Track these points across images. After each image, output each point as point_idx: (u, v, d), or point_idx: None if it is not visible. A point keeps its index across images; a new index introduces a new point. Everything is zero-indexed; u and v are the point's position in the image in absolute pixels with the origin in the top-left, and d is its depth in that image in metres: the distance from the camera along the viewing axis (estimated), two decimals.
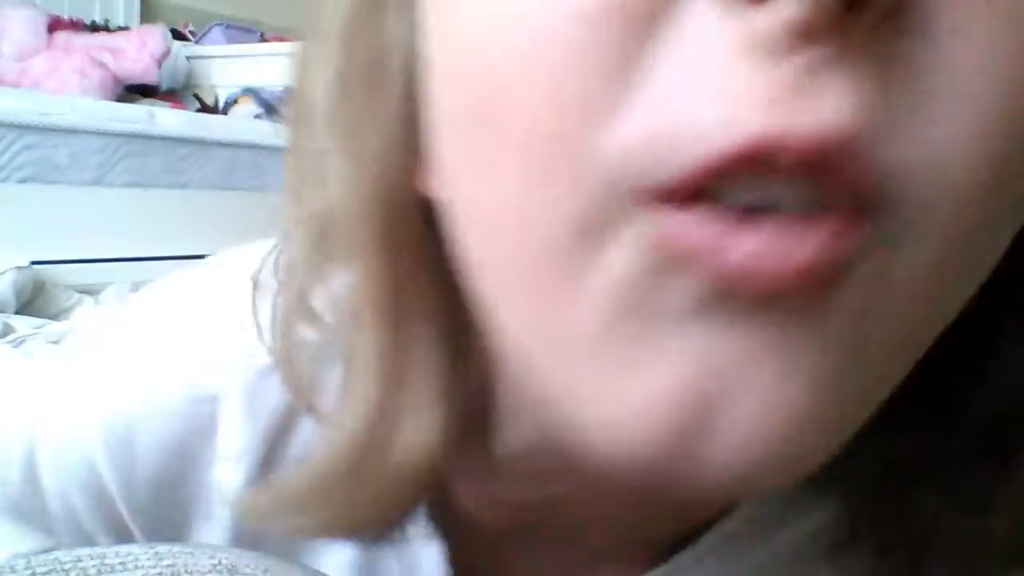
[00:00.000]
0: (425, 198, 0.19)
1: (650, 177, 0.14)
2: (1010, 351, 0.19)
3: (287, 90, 0.23)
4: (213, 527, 0.27)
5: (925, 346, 0.16)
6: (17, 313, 1.43)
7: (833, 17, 0.12)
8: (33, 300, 1.50)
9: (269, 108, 2.21)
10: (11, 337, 1.29)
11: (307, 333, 0.22)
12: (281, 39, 2.80)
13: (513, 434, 0.22)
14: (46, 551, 0.24)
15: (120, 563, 0.22)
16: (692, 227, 0.14)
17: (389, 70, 0.19)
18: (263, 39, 2.84)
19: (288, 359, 0.23)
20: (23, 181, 1.62)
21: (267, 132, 2.12)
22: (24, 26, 2.27)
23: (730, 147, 0.13)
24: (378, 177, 0.19)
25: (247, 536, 0.26)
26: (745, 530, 0.25)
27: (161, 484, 0.26)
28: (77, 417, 0.26)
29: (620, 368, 0.15)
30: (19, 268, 1.46)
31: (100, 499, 0.27)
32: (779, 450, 0.14)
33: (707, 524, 0.25)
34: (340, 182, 0.20)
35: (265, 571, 0.23)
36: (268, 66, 2.43)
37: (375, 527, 0.23)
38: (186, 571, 0.22)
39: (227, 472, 0.26)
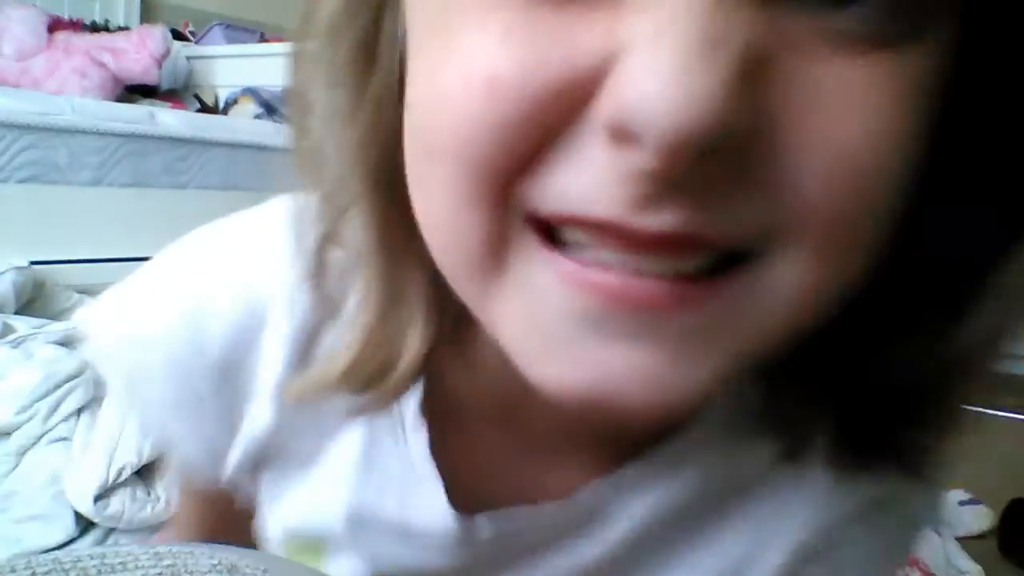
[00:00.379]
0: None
1: (540, 208, 0.20)
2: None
3: (286, 87, 0.28)
4: (260, 413, 0.33)
5: (776, 335, 0.22)
6: (17, 313, 1.43)
7: (675, 169, 0.18)
8: (33, 300, 1.50)
9: (269, 108, 2.21)
10: (11, 337, 1.29)
11: (335, 256, 0.29)
12: (281, 39, 2.80)
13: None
14: (46, 551, 0.24)
15: (120, 563, 0.22)
16: (570, 263, 0.20)
17: (379, 62, 0.24)
18: (263, 39, 2.84)
19: (318, 276, 0.29)
20: (23, 181, 1.62)
21: (267, 132, 2.12)
22: (24, 26, 2.27)
23: (594, 217, 0.19)
24: (368, 147, 0.25)
25: (286, 422, 0.33)
26: (691, 447, 0.32)
27: (222, 371, 0.32)
28: (166, 314, 0.33)
29: (542, 358, 0.22)
30: (19, 268, 1.46)
31: (180, 387, 0.33)
32: (659, 405, 0.21)
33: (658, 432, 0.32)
34: (339, 155, 0.26)
35: (265, 571, 0.23)
36: (268, 66, 2.43)
37: (376, 407, 0.30)
38: (186, 571, 0.22)
39: (272, 365, 0.32)
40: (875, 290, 0.23)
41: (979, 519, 1.42)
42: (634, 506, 0.32)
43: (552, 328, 0.21)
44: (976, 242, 0.24)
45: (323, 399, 0.29)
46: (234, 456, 0.34)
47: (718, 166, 0.18)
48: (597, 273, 0.20)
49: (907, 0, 0.19)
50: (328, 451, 0.34)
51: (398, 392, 0.29)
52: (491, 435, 0.33)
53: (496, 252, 0.21)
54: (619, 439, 0.32)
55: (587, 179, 0.19)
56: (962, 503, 1.48)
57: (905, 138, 0.19)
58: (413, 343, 0.27)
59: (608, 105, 0.18)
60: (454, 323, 0.28)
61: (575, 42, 0.19)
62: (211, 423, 0.34)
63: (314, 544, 0.36)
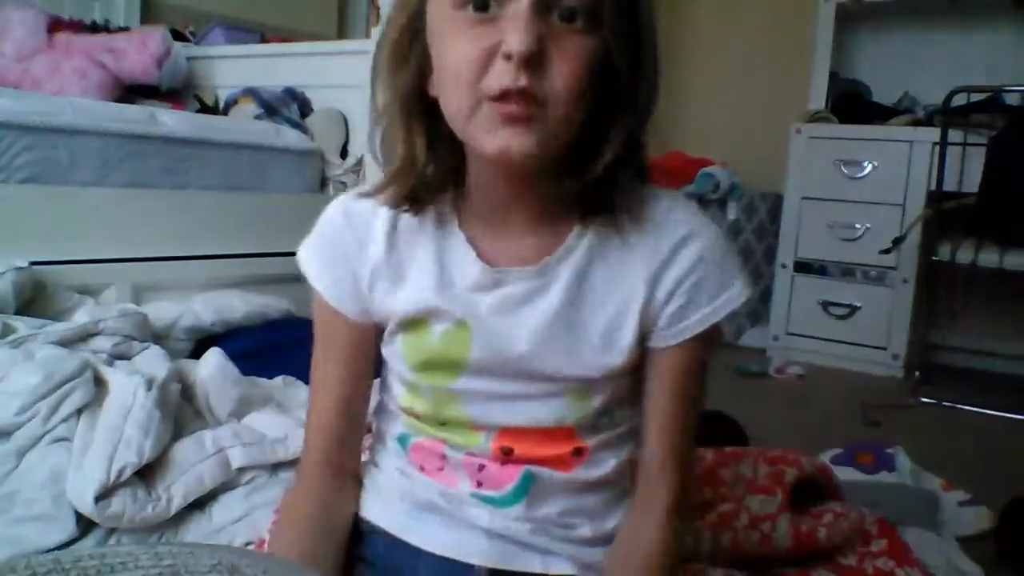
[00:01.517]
0: (428, 96, 0.66)
1: (486, 93, 0.60)
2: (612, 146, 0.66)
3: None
4: (376, 247, 0.71)
5: (568, 128, 0.62)
6: (17, 313, 1.43)
7: (520, 63, 0.58)
8: (33, 300, 1.50)
9: (269, 108, 2.20)
10: (11, 337, 1.29)
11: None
12: (281, 39, 2.80)
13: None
14: (46, 551, 0.24)
15: (120, 563, 0.22)
16: (503, 106, 0.60)
17: (410, 59, 0.66)
18: (263, 39, 2.83)
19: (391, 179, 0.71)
20: (23, 181, 1.62)
21: (267, 132, 2.12)
22: (24, 26, 2.27)
23: (502, 86, 0.59)
24: (403, 92, 0.66)
25: (389, 248, 0.71)
26: (579, 235, 0.70)
27: (355, 229, 0.73)
28: (331, 216, 0.74)
29: (487, 140, 0.61)
30: (19, 268, 1.46)
31: (333, 246, 0.74)
32: (526, 155, 0.61)
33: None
34: (389, 95, 0.67)
35: (265, 571, 0.23)
36: (268, 66, 2.43)
37: (421, 196, 0.69)
38: (186, 571, 0.22)
39: (381, 221, 0.72)
40: (591, 131, 0.64)
41: (979, 519, 1.42)
42: (569, 263, 0.69)
43: (491, 128, 0.60)
44: (613, 113, 0.64)
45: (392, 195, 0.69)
46: (364, 276, 0.71)
47: (530, 66, 0.58)
48: (506, 107, 0.59)
49: (593, 22, 0.60)
50: (415, 259, 0.70)
51: (427, 189, 0.68)
52: (490, 230, 0.70)
53: (472, 110, 0.60)
54: (553, 231, 0.69)
55: (499, 74, 0.58)
56: (962, 503, 1.48)
57: (589, 65, 0.60)
58: (422, 165, 0.67)
59: (503, 49, 0.58)
60: (452, 153, 0.68)
61: (489, 37, 0.59)
62: (353, 259, 0.71)
63: (453, 362, 0.69)
